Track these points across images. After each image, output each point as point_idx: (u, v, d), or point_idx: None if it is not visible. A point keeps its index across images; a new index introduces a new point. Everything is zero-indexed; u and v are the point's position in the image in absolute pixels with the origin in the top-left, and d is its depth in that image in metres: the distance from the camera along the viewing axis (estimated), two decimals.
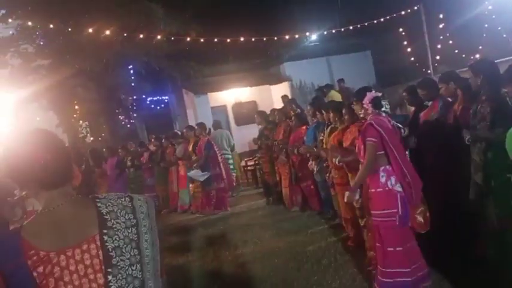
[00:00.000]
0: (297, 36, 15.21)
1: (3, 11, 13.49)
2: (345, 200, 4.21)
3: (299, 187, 7.84)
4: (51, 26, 12.18)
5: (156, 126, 17.54)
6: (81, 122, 16.37)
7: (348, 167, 4.96)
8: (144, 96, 17.60)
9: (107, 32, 12.08)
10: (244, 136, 15.22)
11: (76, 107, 15.48)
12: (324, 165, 6.17)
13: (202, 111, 16.94)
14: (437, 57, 14.51)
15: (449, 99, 4.77)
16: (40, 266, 1.26)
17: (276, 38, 14.40)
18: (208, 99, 17.11)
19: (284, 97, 11.96)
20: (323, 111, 6.12)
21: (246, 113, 16.54)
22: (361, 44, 17.19)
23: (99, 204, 1.38)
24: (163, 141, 10.68)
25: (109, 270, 1.29)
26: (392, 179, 3.81)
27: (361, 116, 4.28)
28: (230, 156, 10.52)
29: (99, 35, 12.23)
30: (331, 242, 6.01)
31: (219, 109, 17.41)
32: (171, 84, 18.25)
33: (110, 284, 1.28)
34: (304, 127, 7.35)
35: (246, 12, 16.22)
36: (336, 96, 10.97)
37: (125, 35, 12.57)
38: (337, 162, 4.92)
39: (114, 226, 1.34)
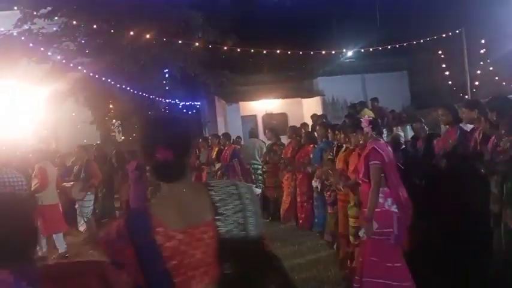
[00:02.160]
0: (333, 52, 15.14)
1: (49, 8, 14.01)
2: (363, 235, 4.16)
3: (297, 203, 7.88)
4: (95, 26, 12.53)
5: None
6: (114, 120, 16.72)
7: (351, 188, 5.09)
8: (177, 101, 17.82)
9: (147, 36, 12.34)
10: None
11: (111, 105, 15.84)
12: (326, 183, 6.23)
13: (233, 120, 17.05)
14: (476, 83, 14.15)
15: (468, 126, 4.81)
16: (168, 242, 1.47)
17: (312, 53, 14.38)
18: (239, 108, 17.22)
19: (313, 116, 11.86)
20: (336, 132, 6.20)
21: (276, 125, 16.44)
22: (397, 63, 16.97)
23: (211, 192, 1.57)
24: None
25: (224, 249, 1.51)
26: (389, 200, 4.01)
27: (361, 142, 4.47)
28: (260, 167, 10.52)
29: (139, 37, 12.51)
30: (352, 265, 5.87)
31: (249, 118, 17.48)
32: (203, 91, 18.43)
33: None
34: (311, 145, 7.39)
35: (283, 24, 16.29)
36: (369, 114, 10.81)
37: (164, 39, 12.80)
38: (342, 188, 5.10)
39: (224, 212, 1.54)
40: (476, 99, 5.19)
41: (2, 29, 14.41)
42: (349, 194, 5.18)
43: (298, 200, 7.63)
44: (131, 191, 10.55)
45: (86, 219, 8.15)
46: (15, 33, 14.16)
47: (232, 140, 10.63)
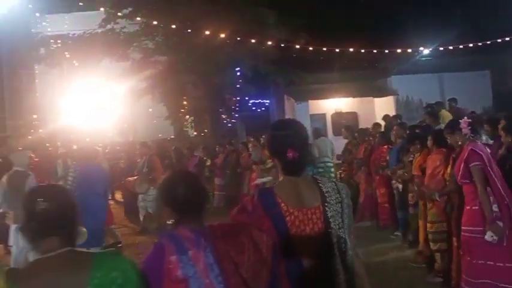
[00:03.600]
0: (409, 50, 14.58)
1: (130, 9, 14.79)
2: (492, 238, 3.98)
3: (375, 203, 7.82)
4: (173, 26, 13.05)
5: (255, 128, 17.88)
6: (187, 116, 17.33)
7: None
8: (247, 98, 18.13)
9: (222, 35, 12.64)
10: (341, 146, 14.93)
11: (184, 102, 16.44)
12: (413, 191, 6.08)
13: (301, 118, 16.90)
14: None
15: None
16: (288, 216, 1.90)
17: (386, 51, 13.95)
18: (308, 107, 17.11)
19: (386, 117, 11.52)
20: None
21: (346, 124, 16.22)
22: (479, 62, 15.92)
23: (320, 185, 1.99)
24: (240, 145, 11.35)
25: (329, 230, 1.92)
26: (491, 198, 3.97)
27: (460, 144, 4.44)
28: (332, 165, 10.46)
29: (214, 37, 12.85)
30: (422, 271, 5.66)
31: (318, 117, 17.30)
32: (273, 89, 18.57)
33: (331, 239, 1.91)
34: (386, 146, 7.37)
35: (356, 22, 15.93)
36: (446, 116, 10.28)
37: (238, 39, 13.04)
38: (438, 199, 4.85)
39: (330, 201, 1.95)
40: None
41: (88, 29, 15.45)
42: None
43: (379, 201, 7.59)
44: None
45: (149, 211, 8.35)
46: (99, 32, 15.13)
47: None
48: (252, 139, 11.20)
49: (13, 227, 5.36)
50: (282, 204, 1.89)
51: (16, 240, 5.30)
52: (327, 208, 1.93)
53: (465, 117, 4.46)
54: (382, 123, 10.87)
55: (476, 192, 4.05)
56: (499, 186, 4.01)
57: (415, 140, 5.77)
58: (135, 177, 8.61)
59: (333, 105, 17.39)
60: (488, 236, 3.91)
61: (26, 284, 1.50)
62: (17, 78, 15.25)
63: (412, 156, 6.05)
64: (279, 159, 2.01)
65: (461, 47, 13.95)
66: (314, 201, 1.94)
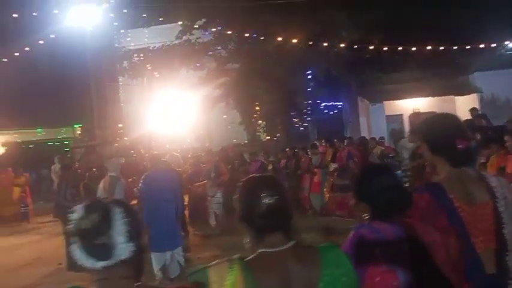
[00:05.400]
0: (493, 45, 13.64)
1: (204, 20, 15.36)
2: None
3: None
4: (247, 34, 13.35)
5: (327, 131, 17.70)
6: (259, 121, 17.58)
7: None
8: (318, 101, 17.97)
9: (294, 41, 12.70)
10: None
11: (257, 107, 16.70)
12: None
13: (376, 120, 16.52)
14: None
15: None
16: (462, 212, 1.85)
17: (468, 47, 13.17)
18: (383, 108, 16.62)
19: (473, 110, 10.88)
20: None
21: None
22: None
23: (487, 180, 1.94)
24: (296, 151, 11.53)
25: (503, 226, 1.87)
26: None
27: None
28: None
29: (285, 42, 12.95)
30: None
31: (394, 118, 16.74)
32: (346, 91, 18.23)
33: (504, 235, 1.86)
34: None
35: (431, 17, 15.21)
36: None
37: (310, 43, 13.03)
38: None
39: (498, 196, 1.90)
40: None
41: (166, 41, 16.30)
42: None
43: None
44: None
45: (216, 213, 8.90)
46: (176, 43, 15.90)
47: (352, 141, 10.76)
48: (322, 142, 11.29)
49: None
50: (455, 200, 1.85)
51: None
52: (497, 203, 1.87)
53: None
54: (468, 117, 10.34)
55: None
56: None
57: (490, 143, 5.77)
58: (203, 182, 9.17)
59: (411, 105, 16.72)
60: None
61: (260, 275, 1.47)
62: (103, 90, 16.40)
63: (483, 158, 5.90)
64: (445, 153, 1.94)
65: None
66: (483, 197, 1.88)
